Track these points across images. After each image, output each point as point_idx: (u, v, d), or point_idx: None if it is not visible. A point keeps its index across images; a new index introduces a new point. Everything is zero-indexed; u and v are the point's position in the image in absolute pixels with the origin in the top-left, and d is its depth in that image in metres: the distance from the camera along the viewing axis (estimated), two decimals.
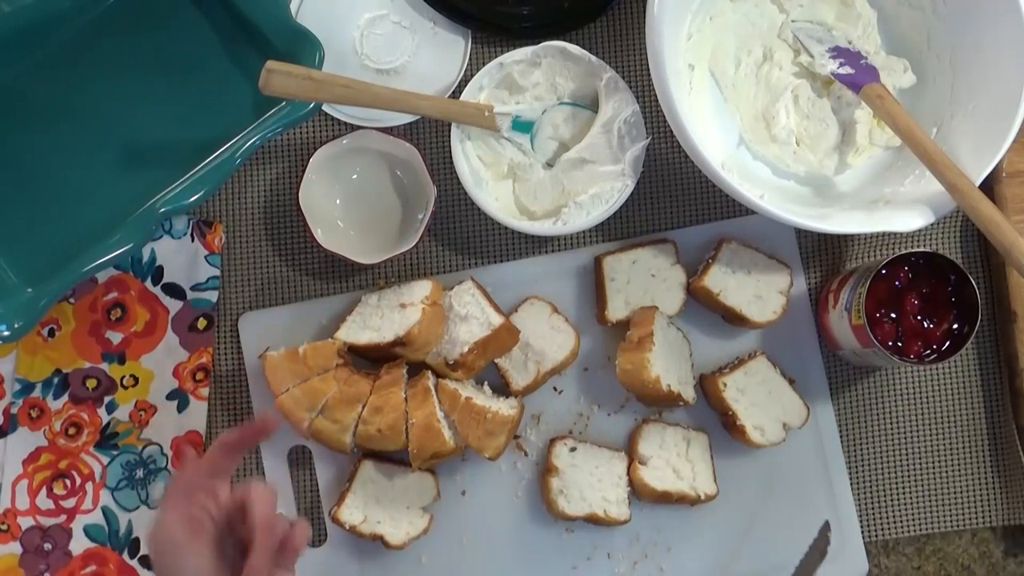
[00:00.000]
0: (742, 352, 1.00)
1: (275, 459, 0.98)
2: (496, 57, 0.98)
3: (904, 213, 0.91)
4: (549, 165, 1.00)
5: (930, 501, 1.01)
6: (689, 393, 0.96)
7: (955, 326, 0.92)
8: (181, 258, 0.99)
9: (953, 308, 0.92)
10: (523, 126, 0.99)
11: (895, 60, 1.00)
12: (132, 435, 0.98)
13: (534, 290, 1.00)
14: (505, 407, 0.94)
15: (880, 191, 0.98)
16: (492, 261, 1.01)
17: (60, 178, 0.98)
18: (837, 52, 0.99)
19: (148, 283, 0.99)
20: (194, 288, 0.99)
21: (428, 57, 1.02)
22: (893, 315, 0.92)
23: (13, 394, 0.98)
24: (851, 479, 1.00)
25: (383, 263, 0.98)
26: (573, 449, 0.97)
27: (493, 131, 0.98)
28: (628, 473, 0.97)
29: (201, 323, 0.99)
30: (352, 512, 0.94)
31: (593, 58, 0.97)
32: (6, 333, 0.90)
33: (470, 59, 1.02)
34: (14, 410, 0.98)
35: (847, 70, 0.97)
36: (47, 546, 0.97)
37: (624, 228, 1.02)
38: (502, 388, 0.98)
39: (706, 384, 0.98)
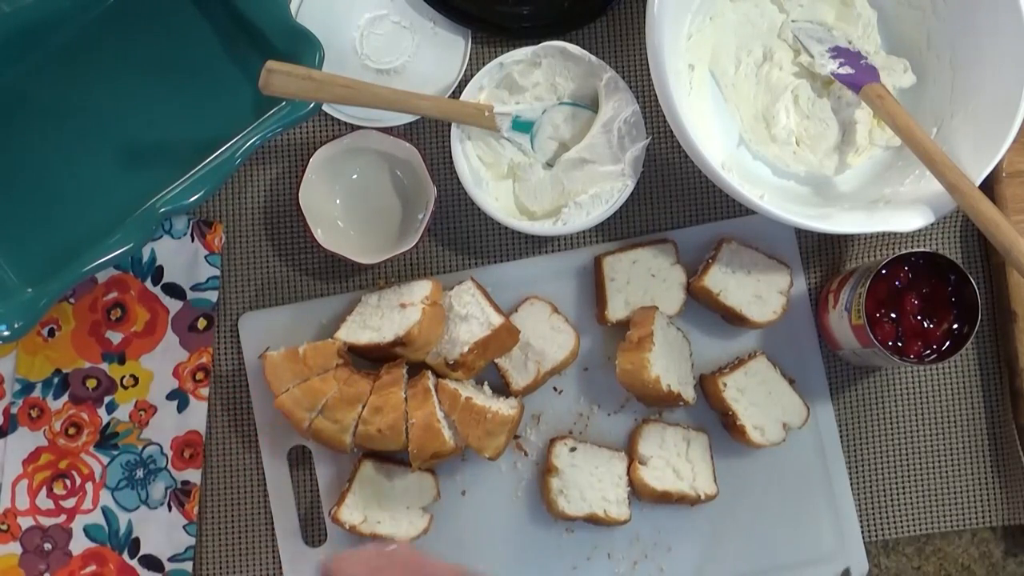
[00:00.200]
0: (742, 352, 1.00)
1: (275, 459, 0.99)
2: (496, 57, 0.98)
3: (904, 213, 0.91)
4: (549, 165, 1.00)
5: (930, 501, 1.01)
6: (689, 393, 0.96)
7: (955, 326, 0.92)
8: (181, 258, 0.99)
9: (953, 308, 0.92)
10: (523, 126, 0.99)
11: (895, 60, 1.00)
12: (132, 435, 0.98)
13: (534, 290, 1.00)
14: (505, 407, 0.94)
15: (880, 191, 0.98)
16: (492, 261, 1.01)
17: (60, 178, 0.98)
18: (837, 52, 0.99)
19: (148, 283, 0.99)
20: (194, 288, 0.99)
21: (428, 57, 1.02)
22: (893, 315, 0.92)
23: (13, 394, 0.98)
24: (851, 479, 1.00)
25: (383, 263, 0.98)
26: (573, 449, 0.96)
27: (493, 131, 0.98)
28: (628, 473, 0.97)
29: (201, 323, 0.99)
30: (352, 512, 0.94)
31: (593, 58, 0.97)
32: (6, 333, 0.90)
33: (470, 59, 1.02)
34: (14, 410, 0.98)
35: (847, 70, 0.97)
36: (47, 546, 0.97)
37: (624, 228, 1.02)
38: (502, 388, 0.98)
39: (706, 384, 0.98)
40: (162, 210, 0.91)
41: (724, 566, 0.98)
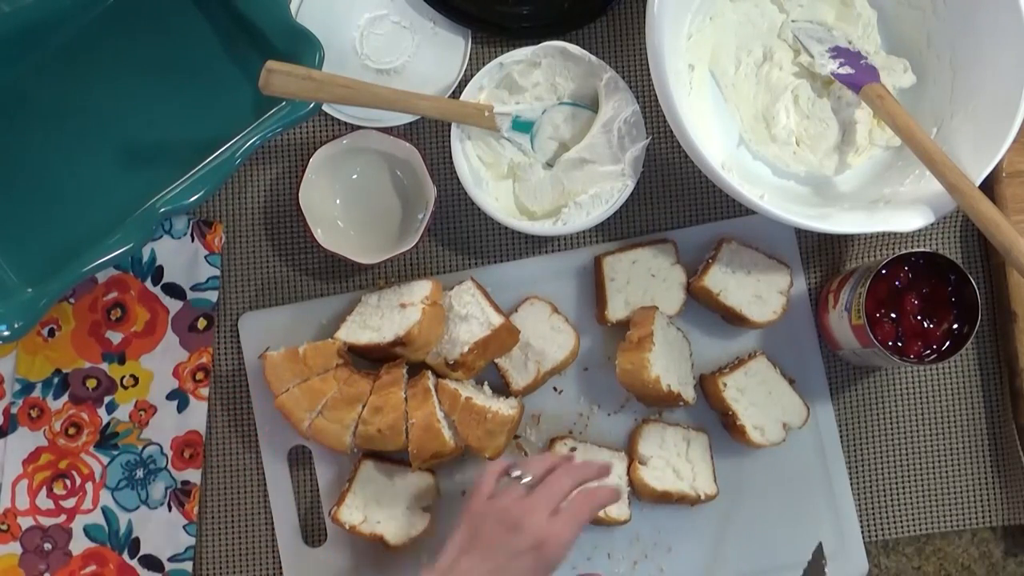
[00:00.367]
0: (742, 352, 1.00)
1: (275, 459, 0.99)
2: (496, 57, 0.98)
3: (904, 213, 0.91)
4: (549, 165, 1.00)
5: (930, 501, 1.01)
6: (689, 393, 0.96)
7: (955, 326, 0.92)
8: (181, 258, 0.99)
9: (953, 308, 0.92)
10: (523, 126, 0.99)
11: (895, 60, 1.00)
12: (132, 435, 0.98)
13: (534, 290, 1.00)
14: (505, 407, 0.94)
15: (880, 191, 0.98)
16: (492, 261, 1.01)
17: (60, 178, 0.98)
18: (837, 52, 0.99)
19: (148, 283, 0.99)
20: (194, 288, 0.99)
21: (428, 57, 1.02)
22: (893, 315, 0.92)
23: (13, 394, 0.98)
24: (851, 479, 1.00)
25: (383, 263, 0.98)
26: (573, 449, 0.96)
27: (493, 131, 0.98)
28: (628, 473, 0.97)
29: (201, 323, 0.99)
30: (352, 512, 0.94)
31: (593, 58, 0.97)
32: (6, 333, 0.90)
33: (470, 59, 1.02)
34: (14, 410, 0.98)
35: (847, 70, 0.97)
36: (47, 546, 0.97)
37: (624, 228, 1.02)
38: (502, 388, 0.98)
39: (706, 384, 0.98)
40: (162, 210, 0.91)
41: (724, 566, 0.98)
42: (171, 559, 0.98)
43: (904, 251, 0.91)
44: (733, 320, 0.99)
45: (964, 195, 0.87)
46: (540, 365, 0.97)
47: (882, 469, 1.01)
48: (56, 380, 0.98)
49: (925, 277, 0.92)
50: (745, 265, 0.98)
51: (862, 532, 0.99)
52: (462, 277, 0.99)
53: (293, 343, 0.96)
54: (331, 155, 0.96)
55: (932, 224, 0.91)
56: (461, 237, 1.01)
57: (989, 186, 1.00)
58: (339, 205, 1.00)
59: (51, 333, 0.98)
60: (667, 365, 0.94)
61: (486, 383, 0.97)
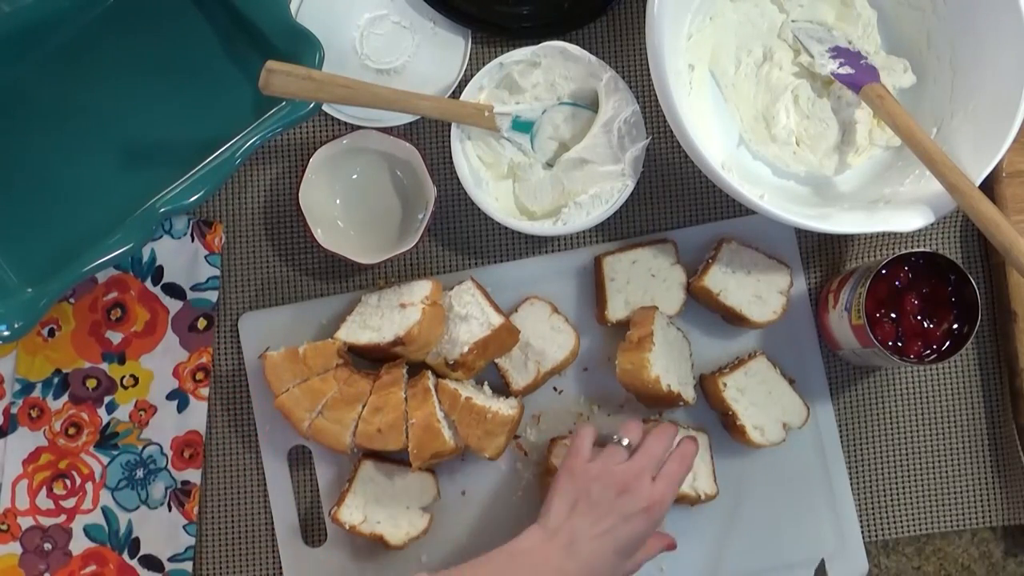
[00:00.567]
0: (742, 352, 1.00)
1: (275, 459, 0.99)
2: (496, 57, 0.98)
3: (904, 213, 0.91)
4: (549, 165, 1.00)
5: (930, 501, 1.01)
6: (689, 393, 0.96)
7: (955, 326, 0.92)
8: (181, 258, 0.99)
9: (953, 308, 0.92)
10: (523, 126, 0.99)
11: (895, 60, 1.00)
12: (132, 435, 0.98)
13: (534, 290, 1.00)
14: (505, 407, 0.94)
15: (880, 191, 0.98)
16: (492, 261, 1.01)
17: (60, 178, 0.98)
18: (837, 52, 0.99)
19: (148, 283, 0.99)
20: (194, 288, 0.99)
21: (428, 57, 1.02)
22: (893, 315, 0.92)
23: (13, 394, 0.98)
24: (851, 479, 1.00)
25: (383, 263, 0.98)
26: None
27: (493, 131, 0.98)
28: None
29: (201, 323, 0.99)
30: (352, 512, 0.94)
31: (593, 58, 0.97)
32: (6, 333, 0.90)
33: (470, 59, 1.02)
34: (14, 410, 0.98)
35: (847, 70, 0.97)
36: (47, 546, 0.97)
37: (624, 228, 1.02)
38: (502, 388, 0.98)
39: (706, 384, 0.98)
40: (162, 210, 0.91)
41: (724, 566, 0.98)
42: (171, 559, 0.98)
43: (904, 251, 0.91)
44: (733, 320, 0.99)
45: (964, 195, 0.87)
46: (540, 365, 0.97)
47: (882, 469, 1.01)
48: (56, 380, 0.98)
49: (925, 277, 0.92)
50: (745, 265, 0.98)
51: (862, 532, 0.99)
52: (462, 277, 0.99)
53: (293, 343, 0.96)
54: (331, 155, 0.96)
55: (932, 224, 0.91)
56: (461, 237, 1.01)
57: (989, 186, 1.00)
58: (339, 205, 1.00)
59: (51, 333, 0.98)
60: (667, 365, 0.94)
61: (486, 383, 0.97)
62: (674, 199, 1.02)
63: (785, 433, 0.97)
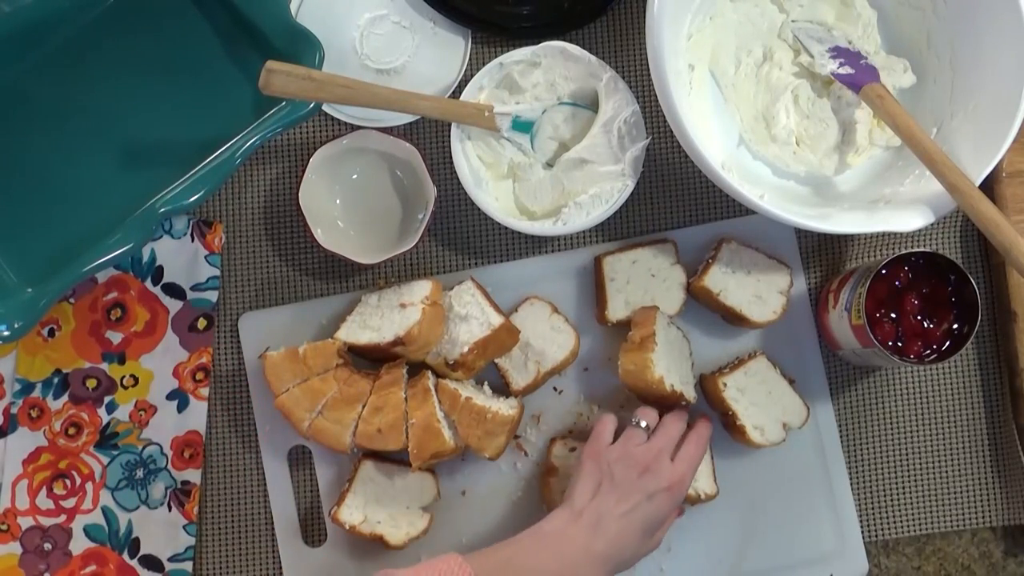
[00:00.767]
0: (742, 352, 1.00)
1: (275, 459, 0.99)
2: (496, 57, 0.98)
3: (904, 213, 0.91)
4: (549, 165, 1.00)
5: (930, 501, 1.01)
6: (690, 393, 0.96)
7: (955, 326, 0.92)
8: (181, 258, 0.99)
9: (953, 308, 0.92)
10: (523, 126, 0.99)
11: (895, 60, 1.00)
12: (132, 435, 0.98)
13: (534, 290, 1.00)
14: (505, 407, 0.94)
15: (880, 191, 0.98)
16: (492, 261, 1.01)
17: (60, 178, 0.98)
18: (837, 52, 0.99)
19: (148, 283, 0.99)
20: (194, 288, 0.99)
21: (428, 57, 1.02)
22: (893, 315, 0.92)
23: (13, 394, 0.98)
24: (851, 479, 1.00)
25: (383, 263, 0.98)
26: (573, 449, 0.96)
27: (493, 131, 0.98)
28: None
29: (201, 323, 0.99)
30: (352, 512, 0.94)
31: (593, 58, 0.97)
32: (6, 333, 0.90)
33: (470, 59, 1.02)
34: (14, 410, 0.98)
35: (847, 70, 0.97)
36: (47, 546, 0.97)
37: (624, 228, 1.02)
38: (502, 388, 0.98)
39: (706, 384, 0.98)
40: (162, 210, 0.91)
41: (724, 566, 0.98)
42: (171, 559, 0.98)
43: (904, 251, 0.91)
44: (733, 320, 0.99)
45: (964, 195, 0.87)
46: (540, 365, 0.97)
47: (882, 469, 1.01)
48: (56, 380, 0.98)
49: (925, 277, 0.92)
50: (745, 265, 0.98)
51: (862, 532, 0.99)
52: (462, 277, 0.99)
53: (293, 343, 0.96)
54: (331, 155, 0.96)
55: (932, 224, 0.91)
56: (461, 237, 1.01)
57: (989, 186, 1.00)
58: (339, 205, 1.00)
59: (51, 333, 0.98)
60: (669, 365, 0.94)
61: (486, 383, 0.97)
62: (674, 199, 1.02)
63: (785, 433, 0.97)
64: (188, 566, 0.98)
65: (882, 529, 1.01)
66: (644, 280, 0.98)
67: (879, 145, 1.01)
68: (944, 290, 0.92)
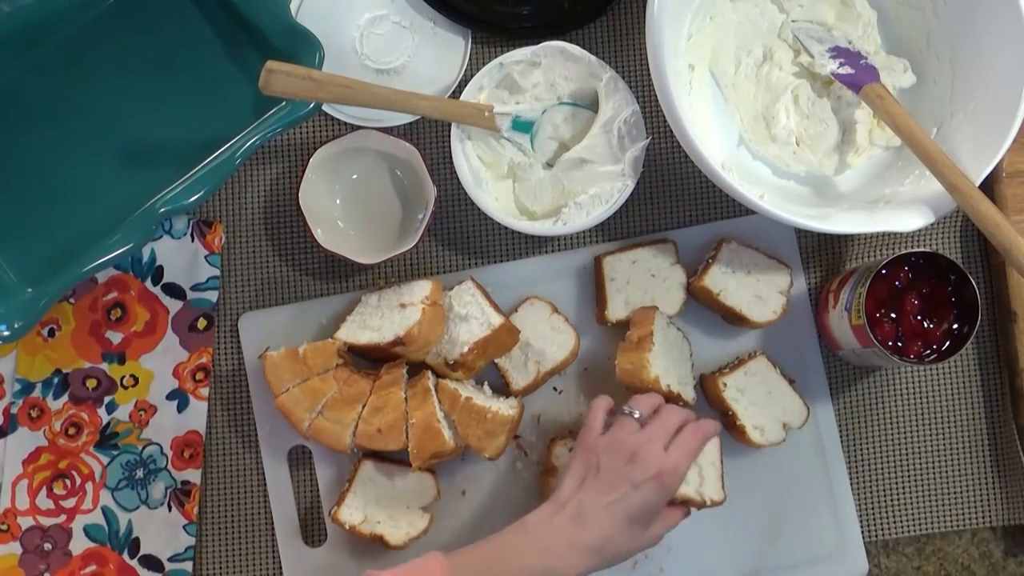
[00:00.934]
0: (742, 352, 1.00)
1: (275, 459, 0.99)
2: (496, 57, 0.98)
3: (904, 213, 0.91)
4: (549, 165, 1.00)
5: (930, 501, 1.01)
6: (689, 393, 0.96)
7: (955, 326, 0.92)
8: (181, 258, 0.99)
9: (953, 308, 0.92)
10: (523, 126, 0.99)
11: (895, 60, 1.00)
12: (132, 435, 0.98)
13: (534, 290, 1.00)
14: (505, 407, 0.94)
15: (880, 191, 0.98)
16: (492, 261, 1.01)
17: (60, 178, 0.98)
18: (837, 52, 0.99)
19: (148, 283, 0.99)
20: (194, 288, 0.99)
21: (428, 57, 1.02)
22: (893, 315, 0.92)
23: (13, 394, 0.98)
24: (851, 479, 1.00)
25: (383, 263, 0.98)
26: (572, 449, 0.96)
27: (493, 131, 0.98)
28: None
29: (201, 323, 0.99)
30: (352, 512, 0.94)
31: (593, 58, 0.97)
32: (6, 333, 0.90)
33: (470, 59, 1.02)
34: (14, 410, 0.98)
35: (847, 70, 0.97)
36: (47, 546, 0.97)
37: (624, 228, 1.02)
38: (502, 388, 0.98)
39: (706, 384, 0.98)
40: (162, 210, 0.91)
41: (724, 566, 0.98)
42: (171, 559, 0.98)
43: (904, 251, 0.91)
44: (733, 320, 0.99)
45: (964, 195, 0.87)
46: (540, 365, 0.97)
47: (882, 469, 1.01)
48: (56, 380, 0.98)
49: (925, 277, 0.92)
50: (745, 265, 0.98)
51: (862, 532, 0.99)
52: (462, 277, 0.99)
53: (293, 343, 0.96)
54: (331, 155, 0.96)
55: (932, 224, 0.91)
56: (461, 237, 1.01)
57: (989, 186, 1.00)
58: (339, 205, 1.00)
59: (51, 333, 0.98)
60: (667, 365, 0.94)
61: (486, 383, 0.97)
62: (674, 199, 1.02)
63: (785, 433, 0.97)
64: (188, 566, 0.98)
65: (882, 529, 1.01)
66: (644, 280, 0.98)
67: (879, 145, 1.01)
68: (944, 290, 0.92)
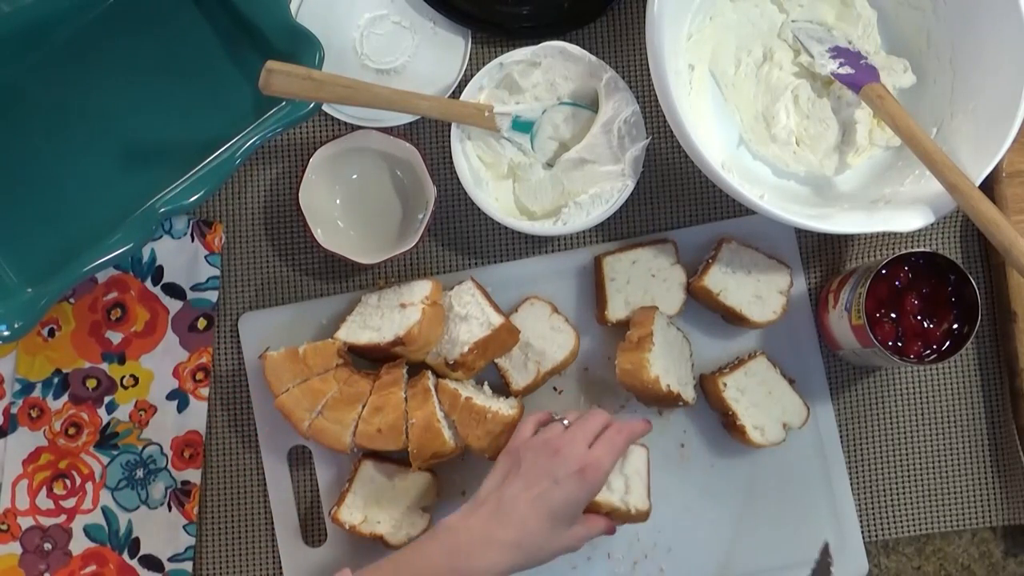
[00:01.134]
0: (742, 352, 1.00)
1: (275, 459, 0.99)
2: (496, 57, 0.98)
3: (904, 213, 0.91)
4: (549, 165, 1.00)
5: (930, 501, 1.01)
6: (689, 393, 0.96)
7: (955, 326, 0.92)
8: (181, 258, 0.99)
9: (953, 308, 0.92)
10: (523, 126, 0.99)
11: (895, 60, 1.00)
12: (132, 435, 0.98)
13: (534, 290, 1.00)
14: (505, 407, 0.94)
15: (880, 191, 0.98)
16: (492, 261, 1.01)
17: (60, 178, 0.98)
18: (837, 52, 0.99)
19: (148, 283, 0.99)
20: (194, 288, 0.99)
21: (428, 57, 1.02)
22: (893, 315, 0.92)
23: (13, 394, 0.98)
24: (851, 479, 1.00)
25: (383, 263, 0.98)
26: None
27: (493, 131, 0.98)
28: None
29: (201, 323, 0.99)
30: (352, 512, 0.94)
31: (593, 58, 0.97)
32: (6, 333, 0.90)
33: (470, 59, 1.02)
34: (14, 410, 0.98)
35: (847, 70, 0.97)
36: (47, 546, 0.97)
37: (624, 228, 1.02)
38: (502, 388, 0.98)
39: (706, 384, 0.98)
40: (162, 210, 0.91)
41: (724, 566, 0.98)
42: (171, 559, 0.98)
43: (904, 251, 0.91)
44: (733, 320, 0.99)
45: (964, 195, 0.87)
46: (540, 365, 0.97)
47: (882, 469, 1.01)
48: (56, 380, 0.98)
49: (925, 277, 0.92)
50: (745, 265, 0.98)
51: (862, 532, 0.99)
52: (462, 277, 0.99)
53: (293, 343, 0.96)
54: (331, 155, 0.96)
55: (932, 224, 0.91)
56: (461, 237, 1.01)
57: (989, 186, 1.00)
58: (339, 205, 1.00)
59: (51, 333, 0.98)
60: (667, 365, 0.94)
61: (486, 383, 0.97)
62: (674, 199, 1.02)
63: (785, 433, 0.97)
64: (188, 566, 0.98)
65: (882, 529, 1.01)
66: (644, 280, 0.98)
67: (879, 145, 1.01)
68: (944, 290, 0.92)
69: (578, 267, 1.00)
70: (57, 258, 0.94)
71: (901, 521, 1.01)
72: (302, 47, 0.94)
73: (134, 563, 0.97)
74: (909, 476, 1.01)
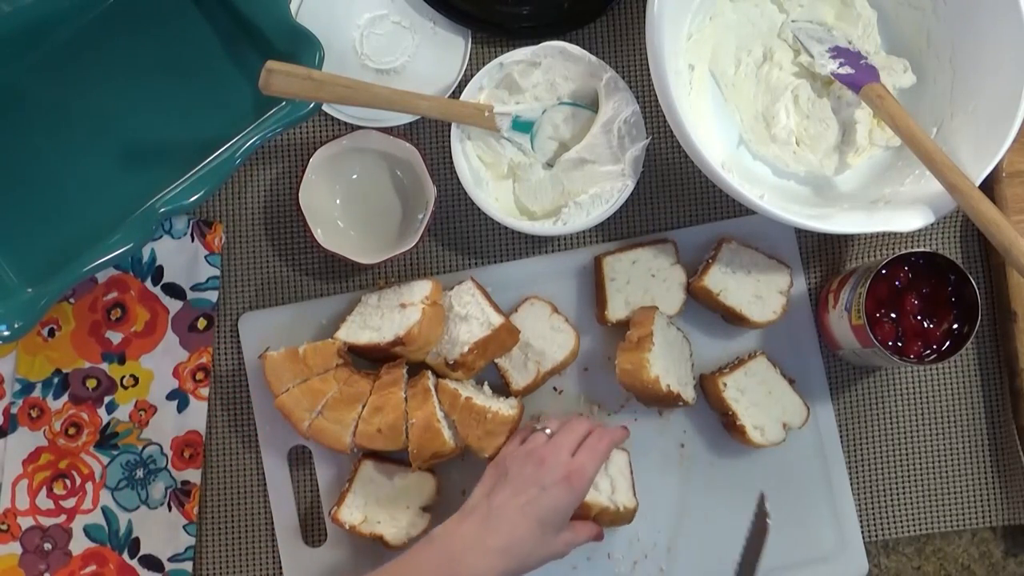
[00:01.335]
0: (742, 352, 1.00)
1: (275, 459, 0.99)
2: (496, 57, 0.98)
3: (904, 213, 0.91)
4: (549, 165, 1.00)
5: (930, 501, 1.01)
6: (689, 393, 0.96)
7: (955, 326, 0.92)
8: (181, 258, 0.99)
9: (953, 308, 0.92)
10: (523, 126, 0.99)
11: (895, 60, 1.00)
12: (132, 435, 0.98)
13: (534, 290, 1.00)
14: (505, 407, 0.94)
15: (880, 191, 0.98)
16: (492, 261, 1.01)
17: (60, 178, 0.98)
18: (837, 52, 0.99)
19: (148, 283, 0.99)
20: (194, 288, 0.99)
21: (428, 57, 1.02)
22: (893, 315, 0.92)
23: (13, 394, 0.98)
24: (851, 479, 1.00)
25: (383, 263, 0.98)
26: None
27: (493, 131, 0.98)
28: None
29: (201, 323, 0.99)
30: (352, 512, 0.94)
31: (593, 58, 0.97)
32: (6, 333, 0.90)
33: (470, 59, 1.02)
34: (14, 410, 0.98)
35: (847, 70, 0.97)
36: (47, 546, 0.97)
37: (624, 228, 1.02)
38: (502, 388, 0.98)
39: (706, 384, 0.98)
40: (162, 210, 0.91)
41: (724, 566, 0.98)
42: (171, 559, 0.98)
43: (904, 251, 0.91)
44: (733, 320, 0.99)
45: (964, 195, 0.87)
46: (540, 365, 0.97)
47: (882, 469, 1.01)
48: (56, 380, 0.98)
49: (925, 277, 0.92)
50: (745, 265, 0.98)
51: (862, 532, 0.99)
52: (462, 277, 0.99)
53: (293, 343, 0.96)
54: (331, 155, 0.96)
55: (932, 224, 0.91)
56: (461, 237, 1.01)
57: (989, 186, 1.00)
58: (339, 205, 1.00)
59: (51, 333, 0.98)
60: (667, 365, 0.94)
61: (486, 383, 0.97)
62: (674, 199, 1.02)
63: (785, 433, 0.97)
64: (188, 566, 0.98)
65: (882, 529, 1.01)
66: (644, 280, 0.98)
67: (879, 145, 1.01)
68: (944, 290, 0.92)
69: (578, 267, 1.00)
70: (57, 258, 0.94)
71: (901, 521, 1.01)
72: (302, 47, 0.94)
73: (134, 563, 0.97)
74: (909, 476, 1.01)
